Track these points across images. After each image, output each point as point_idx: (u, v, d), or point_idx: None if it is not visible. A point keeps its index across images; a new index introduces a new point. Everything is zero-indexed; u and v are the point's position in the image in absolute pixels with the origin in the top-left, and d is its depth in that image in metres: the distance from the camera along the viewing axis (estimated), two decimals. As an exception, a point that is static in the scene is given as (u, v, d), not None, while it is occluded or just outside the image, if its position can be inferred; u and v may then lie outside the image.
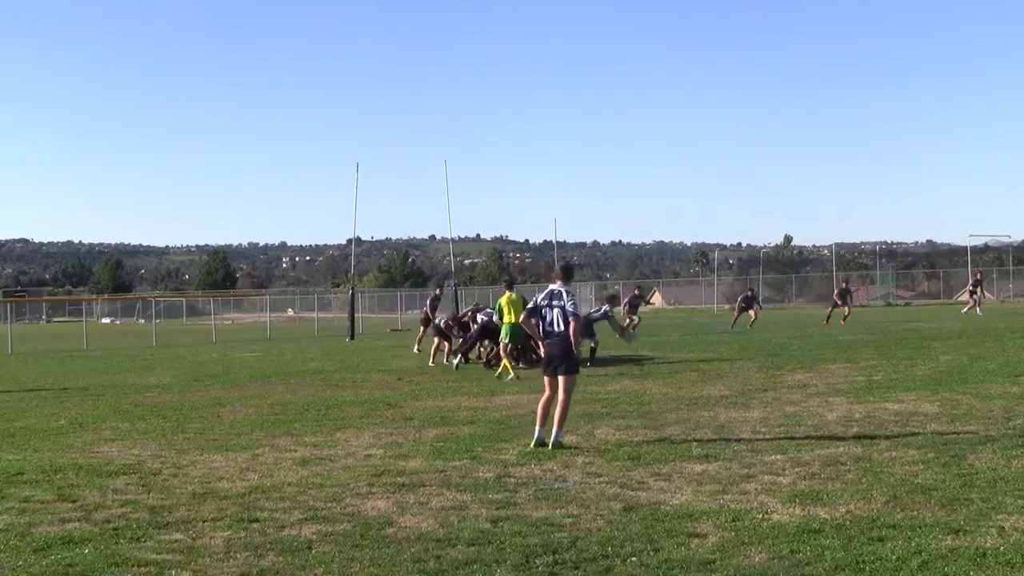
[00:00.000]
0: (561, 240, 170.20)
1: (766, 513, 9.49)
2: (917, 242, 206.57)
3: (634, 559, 8.09)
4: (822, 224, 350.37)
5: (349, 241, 72.54)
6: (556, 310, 14.31)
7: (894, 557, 7.88)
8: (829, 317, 46.24)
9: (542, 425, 13.94)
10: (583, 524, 9.30)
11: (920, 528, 8.72)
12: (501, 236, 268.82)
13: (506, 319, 25.61)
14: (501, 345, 26.24)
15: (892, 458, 12.03)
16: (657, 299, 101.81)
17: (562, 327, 14.23)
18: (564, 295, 14.40)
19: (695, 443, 13.60)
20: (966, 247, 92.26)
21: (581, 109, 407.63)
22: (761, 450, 12.93)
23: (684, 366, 26.04)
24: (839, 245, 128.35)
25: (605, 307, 30.06)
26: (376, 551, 8.55)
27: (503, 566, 8.01)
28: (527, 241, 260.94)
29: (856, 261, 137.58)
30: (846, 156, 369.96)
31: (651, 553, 8.24)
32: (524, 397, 19.68)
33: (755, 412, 16.40)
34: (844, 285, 49.40)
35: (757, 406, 17.15)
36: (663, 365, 26.48)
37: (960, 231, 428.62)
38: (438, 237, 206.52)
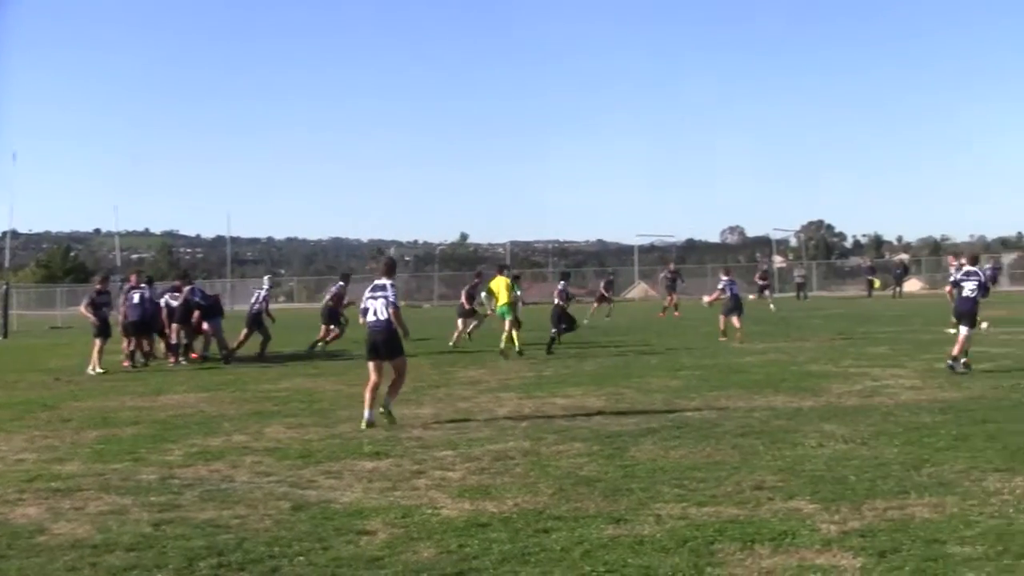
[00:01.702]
0: (235, 235, 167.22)
1: (436, 508, 9.63)
2: (588, 241, 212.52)
3: (302, 558, 8.09)
4: (497, 222, 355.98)
5: (4, 234, 68.96)
6: (380, 300, 15.30)
7: (558, 548, 8.15)
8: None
9: (371, 408, 14.97)
10: (250, 525, 9.22)
11: (584, 519, 9.04)
12: (172, 230, 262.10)
13: (500, 302, 27.77)
14: (507, 322, 27.34)
15: (559, 452, 12.39)
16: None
17: (384, 315, 15.19)
18: (388, 287, 15.42)
19: (367, 440, 13.67)
20: (634, 246, 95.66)
21: (256, 107, 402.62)
22: (432, 446, 13.09)
23: (356, 363, 26.04)
24: (514, 243, 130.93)
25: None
26: (24, 561, 8.22)
27: (164, 570, 7.87)
28: (199, 236, 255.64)
29: (530, 259, 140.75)
30: (518, 157, 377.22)
31: (320, 552, 8.25)
32: (192, 396, 19.39)
33: (427, 408, 16.58)
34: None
35: (429, 402, 17.34)
36: (338, 362, 26.44)
37: (628, 231, 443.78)
38: (103, 230, 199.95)
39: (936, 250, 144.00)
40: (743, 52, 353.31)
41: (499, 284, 28.34)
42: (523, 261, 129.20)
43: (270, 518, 9.46)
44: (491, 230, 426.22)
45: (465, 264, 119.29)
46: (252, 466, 12.10)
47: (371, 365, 15.33)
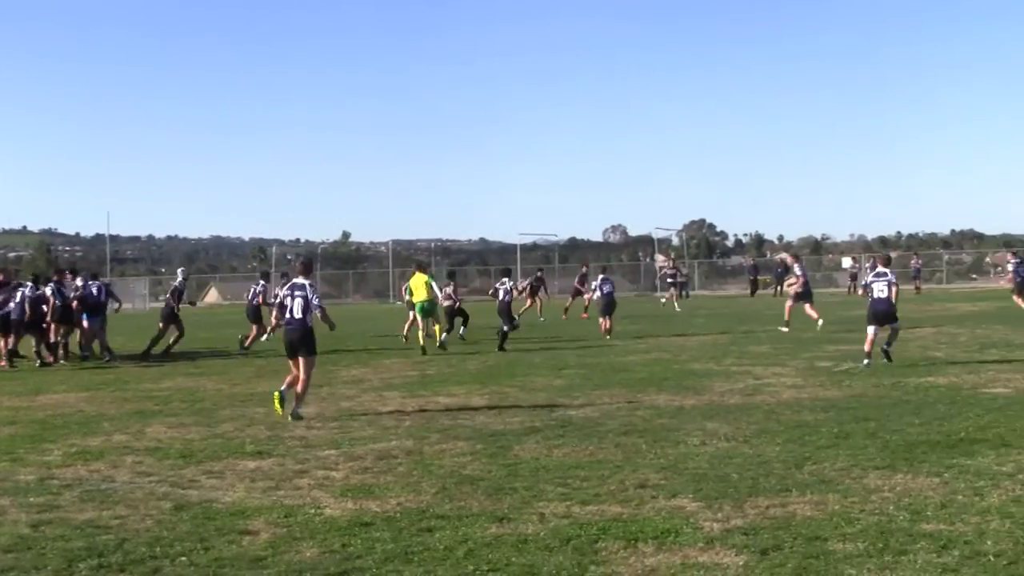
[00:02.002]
0: (114, 233, 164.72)
1: (319, 508, 9.54)
2: (470, 240, 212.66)
3: (183, 559, 7.96)
4: (379, 221, 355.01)
5: None
6: (298, 299, 15.68)
7: (442, 547, 8.11)
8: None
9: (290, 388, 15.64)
10: (131, 525, 9.06)
11: (467, 518, 9.01)
12: (50, 229, 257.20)
13: (417, 298, 28.55)
14: (420, 322, 28.57)
15: (442, 451, 12.35)
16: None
17: (300, 315, 15.62)
18: (306, 287, 15.80)
19: (249, 440, 13.51)
20: (516, 245, 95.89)
21: (136, 103, 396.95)
22: (315, 445, 12.99)
23: (240, 362, 25.82)
24: (396, 242, 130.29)
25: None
26: None
27: (43, 572, 7.71)
28: (78, 234, 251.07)
29: (412, 258, 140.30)
30: (401, 155, 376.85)
31: (201, 552, 8.12)
32: (71, 396, 19.05)
33: (310, 408, 16.41)
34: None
35: (312, 401, 17.14)
36: (218, 361, 26.14)
37: (511, 230, 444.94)
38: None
39: (817, 249, 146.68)
40: (624, 49, 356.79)
41: (418, 282, 28.97)
42: (406, 260, 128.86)
43: (151, 518, 9.31)
44: (373, 229, 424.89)
45: (347, 263, 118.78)
46: (133, 466, 11.91)
47: (292, 363, 15.87)
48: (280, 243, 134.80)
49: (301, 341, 15.71)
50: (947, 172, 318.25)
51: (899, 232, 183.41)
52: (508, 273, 32.43)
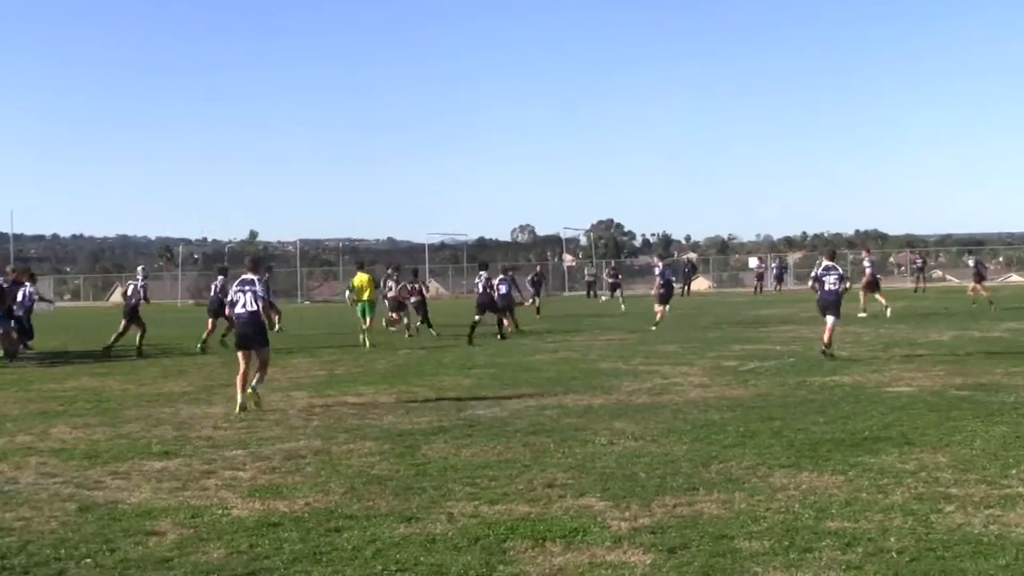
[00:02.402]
0: (18, 232, 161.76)
1: (226, 508, 9.47)
2: (378, 239, 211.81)
3: (89, 560, 7.86)
4: (287, 220, 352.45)
5: None
6: (248, 294, 16.47)
7: (350, 547, 8.08)
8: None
9: (243, 391, 16.06)
10: (35, 527, 8.92)
11: (375, 518, 8.99)
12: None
13: (361, 297, 30.35)
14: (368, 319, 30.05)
15: (350, 450, 12.31)
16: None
17: (253, 307, 16.41)
18: (256, 282, 16.65)
19: (155, 440, 13.37)
20: (424, 244, 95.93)
21: (44, 99, 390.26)
22: (222, 445, 12.89)
23: (147, 362, 25.54)
24: (304, 241, 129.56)
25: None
26: None
27: (-56, 575, 7.56)
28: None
29: (320, 257, 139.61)
30: (308, 154, 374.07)
31: (107, 553, 8.03)
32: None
33: (217, 408, 16.32)
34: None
35: (220, 401, 17.07)
36: (125, 361, 25.84)
37: (419, 229, 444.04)
38: None
39: (724, 249, 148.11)
40: (528, 50, 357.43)
41: (361, 280, 30.73)
42: (314, 259, 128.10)
43: (56, 520, 9.18)
44: (281, 228, 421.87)
45: (258, 261, 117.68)
46: (37, 467, 11.73)
47: (240, 354, 16.44)
48: (187, 242, 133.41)
49: (254, 333, 16.47)
50: (852, 173, 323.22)
51: (804, 232, 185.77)
52: (485, 267, 33.58)
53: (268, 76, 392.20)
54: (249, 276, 16.86)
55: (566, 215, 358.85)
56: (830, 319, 22.09)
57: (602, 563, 7.56)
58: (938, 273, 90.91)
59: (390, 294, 34.60)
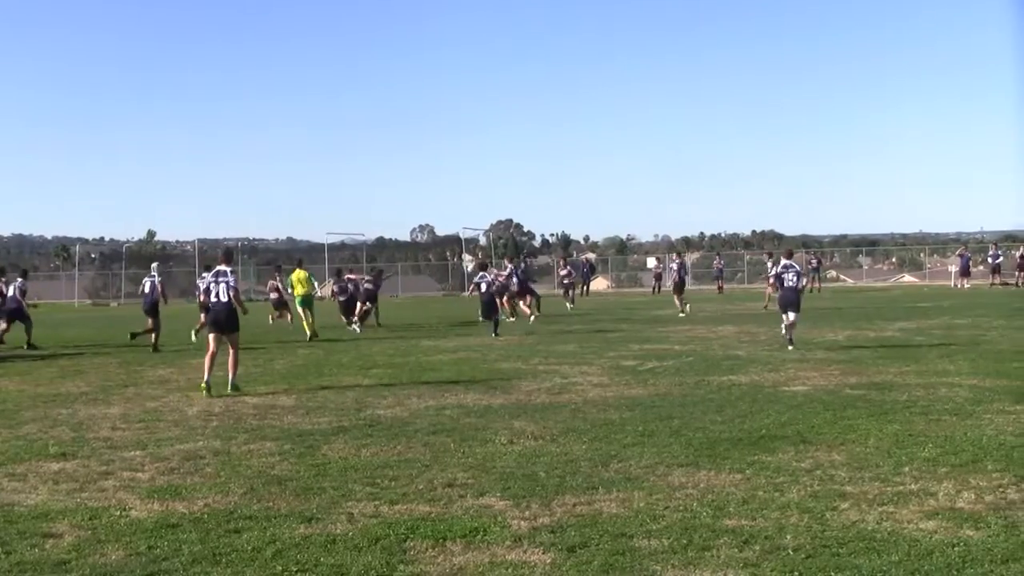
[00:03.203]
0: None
1: (124, 510, 9.39)
2: (278, 239, 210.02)
3: (-18, 564, 7.75)
4: (184, 219, 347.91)
5: None
6: (222, 285, 18.34)
7: (250, 548, 8.07)
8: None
9: (210, 373, 17.99)
10: (-72, 530, 8.77)
11: (275, 518, 8.97)
12: None
13: (298, 292, 32.22)
14: (300, 311, 31.84)
15: (250, 451, 12.26)
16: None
17: (226, 296, 18.27)
18: (228, 273, 18.60)
19: (52, 441, 13.20)
20: (324, 244, 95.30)
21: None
22: (121, 446, 12.76)
23: (43, 362, 25.16)
24: (202, 240, 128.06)
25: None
26: None
27: None
28: None
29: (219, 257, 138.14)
30: (205, 152, 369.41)
31: (2, 556, 7.94)
32: None
33: (116, 408, 16.15)
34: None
35: (118, 402, 16.89)
36: (20, 362, 25.44)
37: (319, 229, 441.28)
38: None
39: (622, 249, 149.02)
40: (430, 49, 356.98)
41: (299, 276, 32.54)
42: (212, 259, 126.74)
43: (-52, 523, 9.03)
44: (178, 227, 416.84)
45: (151, 262, 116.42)
46: (-74, 471, 11.51)
47: (211, 337, 18.50)
48: (84, 241, 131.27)
49: (227, 320, 18.43)
50: (749, 175, 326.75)
51: (702, 233, 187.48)
52: (485, 267, 35.86)
53: (159, 73, 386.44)
54: (223, 268, 18.73)
55: (466, 215, 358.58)
56: (791, 315, 23.66)
57: (502, 562, 7.61)
58: (832, 273, 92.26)
59: (273, 295, 37.11)
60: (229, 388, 17.91)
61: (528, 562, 7.63)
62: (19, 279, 31.46)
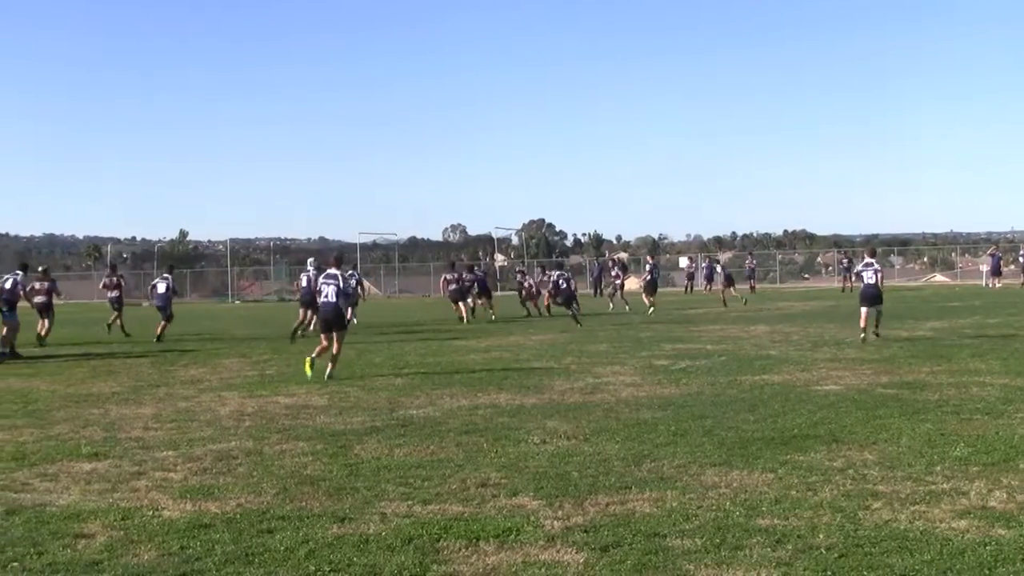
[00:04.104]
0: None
1: (157, 510, 9.39)
2: (310, 239, 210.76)
3: (16, 564, 7.77)
4: (217, 219, 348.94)
5: None
6: (332, 286, 19.83)
7: (283, 548, 8.05)
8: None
9: (319, 356, 19.93)
10: (-39, 530, 8.80)
11: (308, 518, 8.96)
12: None
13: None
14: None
15: (283, 451, 12.26)
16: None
17: (334, 299, 19.80)
18: (338, 276, 20.03)
19: (84, 441, 13.23)
20: (356, 244, 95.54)
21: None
22: (153, 446, 12.78)
23: (74, 362, 25.27)
24: (234, 240, 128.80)
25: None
26: None
27: None
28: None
29: (251, 256, 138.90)
30: (237, 152, 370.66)
31: (35, 557, 7.94)
32: None
33: (147, 408, 16.19)
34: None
35: (150, 402, 16.93)
36: (51, 362, 25.55)
37: (351, 229, 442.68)
38: None
39: (655, 249, 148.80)
40: (458, 47, 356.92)
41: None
42: (244, 259, 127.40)
43: (-19, 523, 9.05)
44: (211, 227, 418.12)
45: (184, 261, 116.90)
46: (-39, 470, 11.55)
47: (323, 336, 20.17)
48: (116, 241, 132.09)
49: (335, 319, 19.91)
50: (782, 174, 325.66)
51: (734, 232, 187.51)
52: (561, 266, 41.25)
53: (198, 74, 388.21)
54: (333, 271, 20.27)
55: (498, 215, 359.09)
56: (865, 309, 25.05)
57: (535, 562, 7.58)
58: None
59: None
60: (326, 376, 19.32)
61: (561, 562, 7.59)
62: (18, 272, 30.99)
